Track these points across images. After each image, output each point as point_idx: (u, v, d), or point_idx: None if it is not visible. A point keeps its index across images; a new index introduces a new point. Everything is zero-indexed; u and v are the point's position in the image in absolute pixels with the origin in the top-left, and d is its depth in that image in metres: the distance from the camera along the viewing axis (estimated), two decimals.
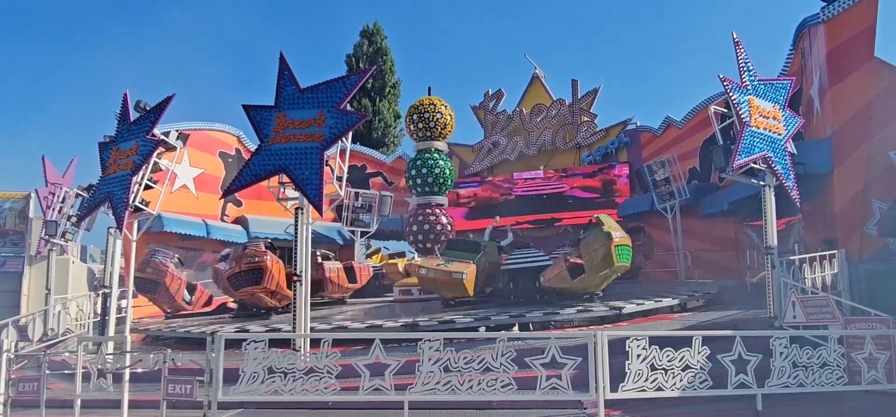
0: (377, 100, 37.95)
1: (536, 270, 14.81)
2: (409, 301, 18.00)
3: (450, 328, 11.79)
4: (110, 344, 10.44)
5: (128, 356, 8.99)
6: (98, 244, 29.15)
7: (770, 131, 11.62)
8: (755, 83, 11.77)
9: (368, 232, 24.03)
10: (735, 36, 11.64)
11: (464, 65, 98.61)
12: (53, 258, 18.49)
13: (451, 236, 19.54)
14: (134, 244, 12.79)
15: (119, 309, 13.78)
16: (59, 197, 18.60)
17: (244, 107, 10.95)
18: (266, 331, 11.99)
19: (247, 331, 11.90)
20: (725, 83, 11.33)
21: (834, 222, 13.40)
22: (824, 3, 13.47)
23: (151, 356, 8.71)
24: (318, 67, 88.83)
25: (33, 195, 19.82)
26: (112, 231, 12.87)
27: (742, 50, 11.69)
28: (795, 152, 12.31)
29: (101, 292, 14.43)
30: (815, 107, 14.80)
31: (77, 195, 18.11)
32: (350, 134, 11.33)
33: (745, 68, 11.67)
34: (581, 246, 13.88)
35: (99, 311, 14.59)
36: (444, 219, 19.97)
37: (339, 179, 11.89)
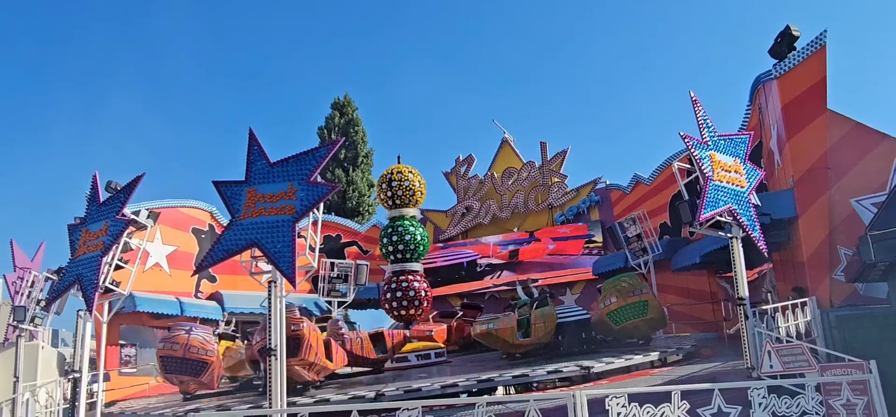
0: (350, 170, 38.20)
1: (582, 322, 16.47)
2: None
3: (424, 396, 11.64)
4: None
5: None
6: (69, 328, 28.53)
7: (733, 184, 11.91)
8: (715, 139, 12.11)
9: (346, 302, 23.83)
10: (693, 95, 12.02)
11: (434, 132, 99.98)
12: (21, 344, 18.04)
13: (426, 302, 19.43)
14: (105, 326, 12.57)
15: (90, 394, 13.44)
16: (27, 281, 18.28)
17: (214, 183, 10.98)
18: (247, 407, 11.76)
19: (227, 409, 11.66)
20: (686, 140, 11.65)
21: (803, 270, 13.62)
22: (776, 61, 13.98)
23: None
24: (290, 139, 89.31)
25: (1, 280, 19.45)
26: (82, 313, 12.67)
27: (700, 107, 12.05)
28: (760, 204, 12.59)
29: (71, 377, 14.10)
30: (775, 159, 15.19)
31: (46, 279, 17.83)
32: (322, 204, 11.37)
33: (704, 125, 12.01)
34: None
35: (69, 397, 14.21)
36: (418, 285, 19.92)
37: (313, 250, 11.88)
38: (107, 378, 14.34)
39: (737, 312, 17.23)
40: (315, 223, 11.83)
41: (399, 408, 8.33)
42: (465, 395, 11.70)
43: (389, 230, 19.12)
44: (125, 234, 11.77)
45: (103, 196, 12.33)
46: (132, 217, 11.92)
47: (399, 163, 20.29)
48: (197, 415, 8.45)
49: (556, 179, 27.86)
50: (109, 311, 12.44)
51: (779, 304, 12.49)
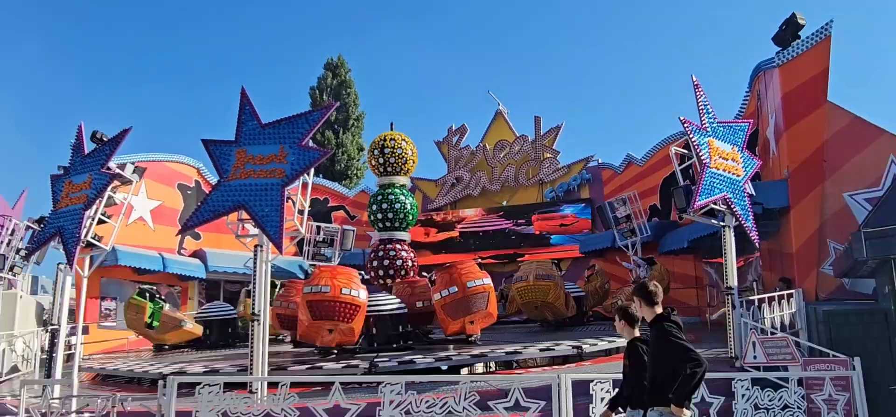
0: (340, 132, 37.82)
1: None
2: None
3: (410, 369, 11.57)
4: (57, 387, 9.98)
5: (74, 400, 8.60)
6: (50, 275, 28.25)
7: (729, 172, 11.80)
8: (714, 125, 11.98)
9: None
10: (694, 79, 11.85)
11: (427, 99, 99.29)
12: (0, 292, 17.79)
13: (412, 272, 19.32)
14: (85, 280, 12.34)
15: (69, 346, 13.25)
16: (8, 229, 17.97)
17: (203, 141, 10.73)
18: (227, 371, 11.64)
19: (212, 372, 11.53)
20: (686, 124, 11.50)
21: (791, 261, 13.61)
22: (779, 48, 13.82)
23: (99, 400, 8.35)
24: (281, 99, 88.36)
25: None
26: (62, 266, 12.44)
27: (701, 92, 11.89)
28: (754, 193, 12.51)
29: (49, 328, 13.90)
30: (771, 149, 15.11)
31: (27, 227, 17.53)
32: (312, 169, 11.17)
33: (704, 110, 11.87)
34: None
35: (47, 348, 14.03)
36: (405, 255, 19.77)
37: (301, 213, 11.68)
38: (85, 331, 14.13)
39: (720, 298, 17.35)
40: (304, 186, 11.62)
41: (382, 381, 8.22)
42: (445, 367, 11.63)
43: (379, 197, 18.89)
44: (109, 189, 11.48)
45: (88, 146, 12.02)
46: (117, 171, 11.60)
47: (392, 129, 20.01)
48: (180, 377, 8.30)
49: (548, 155, 27.69)
50: (90, 266, 12.18)
51: (765, 295, 12.47)
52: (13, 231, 17.97)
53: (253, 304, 10.71)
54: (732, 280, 11.94)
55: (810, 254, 13.22)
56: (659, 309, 5.38)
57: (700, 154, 11.49)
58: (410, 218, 20.18)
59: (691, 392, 5.05)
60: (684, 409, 5.06)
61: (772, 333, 11.17)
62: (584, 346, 13.15)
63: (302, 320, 13.53)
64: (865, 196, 12.83)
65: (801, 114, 13.40)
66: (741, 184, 12.00)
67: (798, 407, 8.69)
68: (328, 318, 13.23)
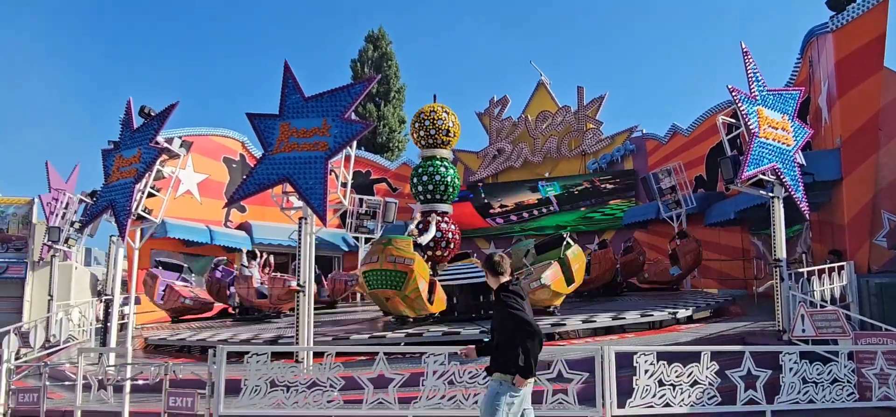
0: (382, 104, 37.93)
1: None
2: None
3: (454, 339, 11.65)
4: (111, 354, 10.35)
5: (129, 368, 8.89)
6: (102, 247, 29.13)
7: (779, 142, 11.50)
8: (764, 93, 11.66)
9: (373, 239, 23.91)
10: (744, 46, 11.53)
11: (469, 70, 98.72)
12: (56, 264, 18.42)
13: (454, 244, 19.38)
14: (137, 251, 12.70)
15: (122, 316, 13.65)
16: (62, 202, 18.52)
17: (248, 115, 10.88)
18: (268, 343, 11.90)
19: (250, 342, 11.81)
20: (734, 93, 11.21)
21: (842, 233, 13.25)
22: (834, 13, 13.34)
23: (152, 368, 8.62)
24: (322, 72, 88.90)
25: (36, 200, 19.78)
26: (115, 239, 12.79)
27: (751, 60, 11.57)
28: (804, 163, 12.19)
29: (103, 299, 14.36)
30: (823, 117, 14.66)
31: (80, 201, 18.04)
32: (355, 141, 11.24)
33: (753, 78, 11.55)
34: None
35: (101, 318, 14.51)
36: (445, 227, 19.80)
37: (344, 186, 11.79)
38: (137, 301, 14.59)
39: (767, 270, 17.00)
40: (347, 159, 11.71)
41: (425, 352, 8.30)
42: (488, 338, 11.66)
43: (421, 169, 18.92)
44: (158, 163, 11.75)
45: (137, 121, 12.30)
46: (165, 145, 11.87)
47: (434, 101, 19.96)
48: (224, 346, 8.51)
49: (591, 126, 27.37)
50: (141, 238, 12.54)
51: (815, 268, 12.18)
52: (67, 204, 18.53)
53: (297, 276, 10.89)
54: (781, 252, 11.69)
55: (863, 225, 12.85)
56: (505, 279, 5.56)
57: (748, 123, 11.20)
58: (452, 190, 20.18)
59: (529, 364, 5.23)
60: (528, 382, 5.31)
61: (821, 306, 10.92)
62: (627, 317, 13.14)
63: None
64: None
65: (855, 80, 12.95)
66: (791, 153, 11.68)
67: (848, 381, 8.49)
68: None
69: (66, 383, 10.27)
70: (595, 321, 12.87)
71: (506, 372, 5.32)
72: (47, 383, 9.07)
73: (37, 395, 8.91)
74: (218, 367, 8.28)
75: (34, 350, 13.69)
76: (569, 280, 14.71)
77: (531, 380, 5.38)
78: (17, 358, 10.43)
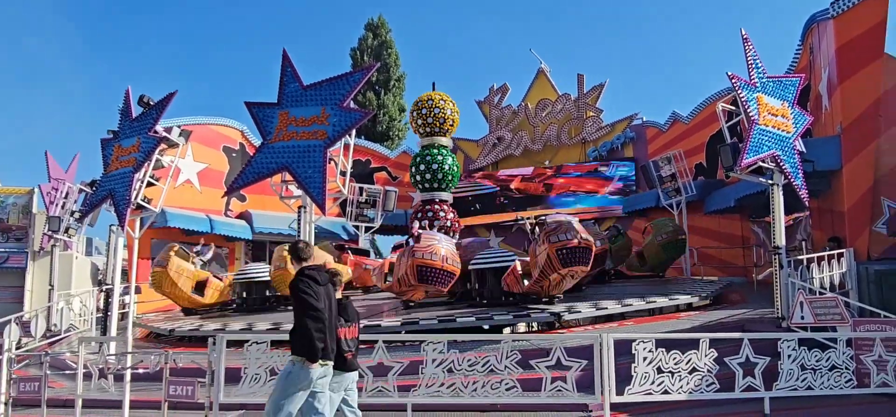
0: (382, 93, 37.88)
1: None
2: None
3: (452, 327, 11.66)
4: (112, 344, 10.38)
5: (129, 356, 8.92)
6: (103, 237, 29.15)
7: (779, 129, 11.48)
8: (764, 80, 11.63)
9: (373, 228, 23.97)
10: (744, 33, 11.49)
11: (469, 59, 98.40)
12: (57, 253, 18.45)
13: (456, 232, 19.39)
14: (137, 241, 12.72)
15: (122, 305, 13.71)
16: (62, 192, 18.54)
17: (246, 104, 10.89)
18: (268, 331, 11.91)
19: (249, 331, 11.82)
20: (734, 80, 11.19)
21: (842, 220, 13.24)
22: None
23: (152, 356, 8.65)
24: (322, 60, 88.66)
25: (36, 190, 19.80)
26: (114, 228, 12.82)
27: (751, 47, 11.54)
28: (804, 150, 12.17)
29: (104, 288, 14.40)
30: (823, 104, 14.63)
31: (80, 190, 18.04)
32: (354, 130, 11.23)
33: (753, 65, 11.52)
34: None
35: (101, 307, 14.57)
36: (444, 215, 19.87)
37: (343, 175, 11.79)
38: (138, 291, 14.62)
39: (766, 258, 17.01)
40: (347, 147, 11.72)
41: (425, 340, 8.32)
42: (487, 326, 11.70)
43: (418, 159, 18.98)
44: (157, 152, 11.75)
45: (135, 111, 12.29)
46: (164, 134, 11.87)
47: (433, 90, 19.98)
48: (224, 334, 8.53)
49: (591, 113, 27.31)
50: (141, 227, 12.55)
51: (814, 255, 12.18)
52: (67, 194, 18.54)
53: None
54: (780, 239, 11.69)
55: (863, 213, 12.83)
56: (304, 265, 5.81)
57: (748, 110, 11.18)
58: (451, 178, 20.19)
59: (312, 347, 5.39)
60: (315, 365, 5.45)
61: (820, 293, 10.93)
62: (633, 304, 13.14)
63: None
64: None
65: (856, 67, 12.89)
66: (791, 140, 11.66)
67: (846, 368, 8.51)
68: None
69: (67, 372, 10.31)
70: (605, 309, 12.83)
71: (296, 354, 5.53)
72: (48, 372, 9.10)
73: (38, 384, 8.94)
74: (218, 356, 8.31)
75: (35, 340, 13.75)
76: None
77: (326, 364, 5.57)
78: (18, 348, 10.47)
